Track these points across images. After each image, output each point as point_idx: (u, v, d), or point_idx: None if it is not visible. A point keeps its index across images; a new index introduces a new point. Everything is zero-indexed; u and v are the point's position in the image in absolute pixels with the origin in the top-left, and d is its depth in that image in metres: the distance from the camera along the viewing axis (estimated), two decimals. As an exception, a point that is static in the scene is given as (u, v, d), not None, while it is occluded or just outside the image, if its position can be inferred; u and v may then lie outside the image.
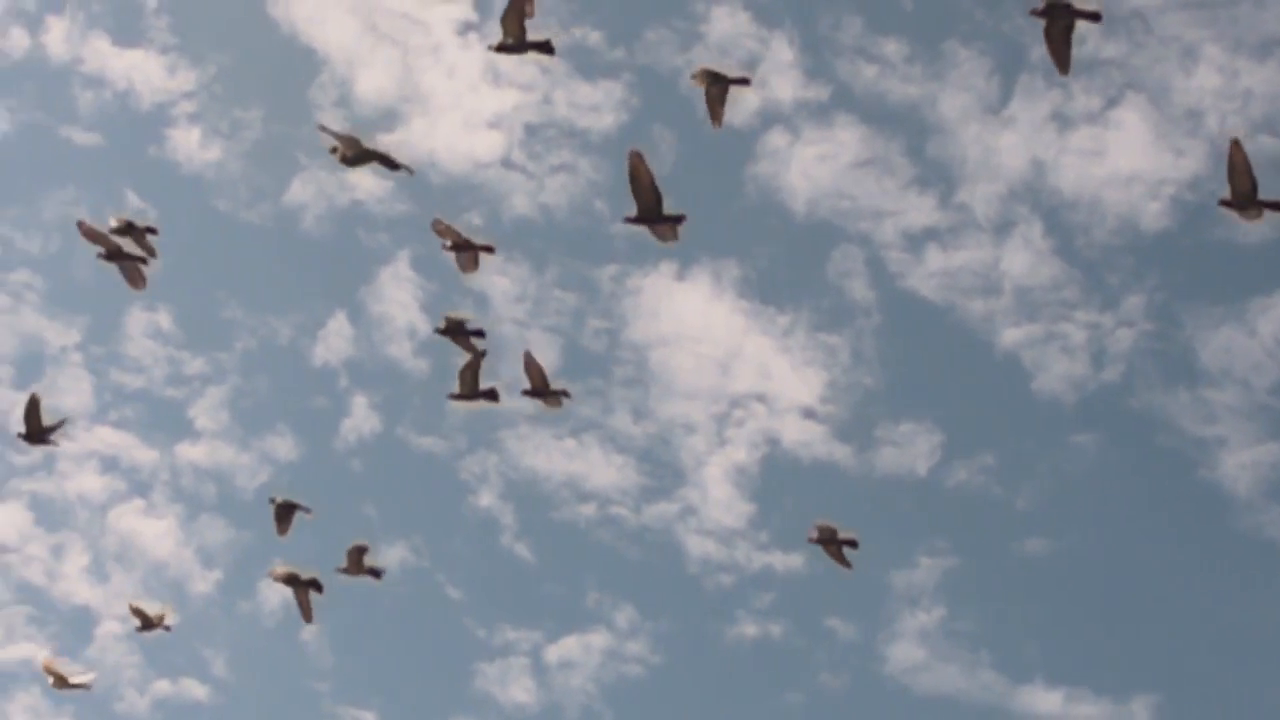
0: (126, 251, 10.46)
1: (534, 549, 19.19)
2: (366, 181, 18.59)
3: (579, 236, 19.86)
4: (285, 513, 11.75)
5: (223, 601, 18.92)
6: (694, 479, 19.06)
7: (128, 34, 19.89)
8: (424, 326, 19.15)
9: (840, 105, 19.38)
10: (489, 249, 10.49)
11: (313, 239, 19.77)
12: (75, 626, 18.63)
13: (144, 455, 19.07)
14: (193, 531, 19.03)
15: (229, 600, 18.96)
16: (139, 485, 19.10)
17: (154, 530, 19.03)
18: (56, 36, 19.59)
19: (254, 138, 19.80)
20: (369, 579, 11.41)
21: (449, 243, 10.45)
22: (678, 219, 9.60)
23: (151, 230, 10.56)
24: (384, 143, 9.86)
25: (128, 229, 10.49)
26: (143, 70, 19.49)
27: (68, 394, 18.84)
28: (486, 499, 19.22)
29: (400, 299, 19.42)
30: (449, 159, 19.35)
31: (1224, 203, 8.73)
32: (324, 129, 9.91)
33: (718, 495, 18.93)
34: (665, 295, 19.58)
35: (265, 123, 19.87)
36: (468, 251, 10.41)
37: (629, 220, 9.59)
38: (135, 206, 17.81)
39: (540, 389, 11.00)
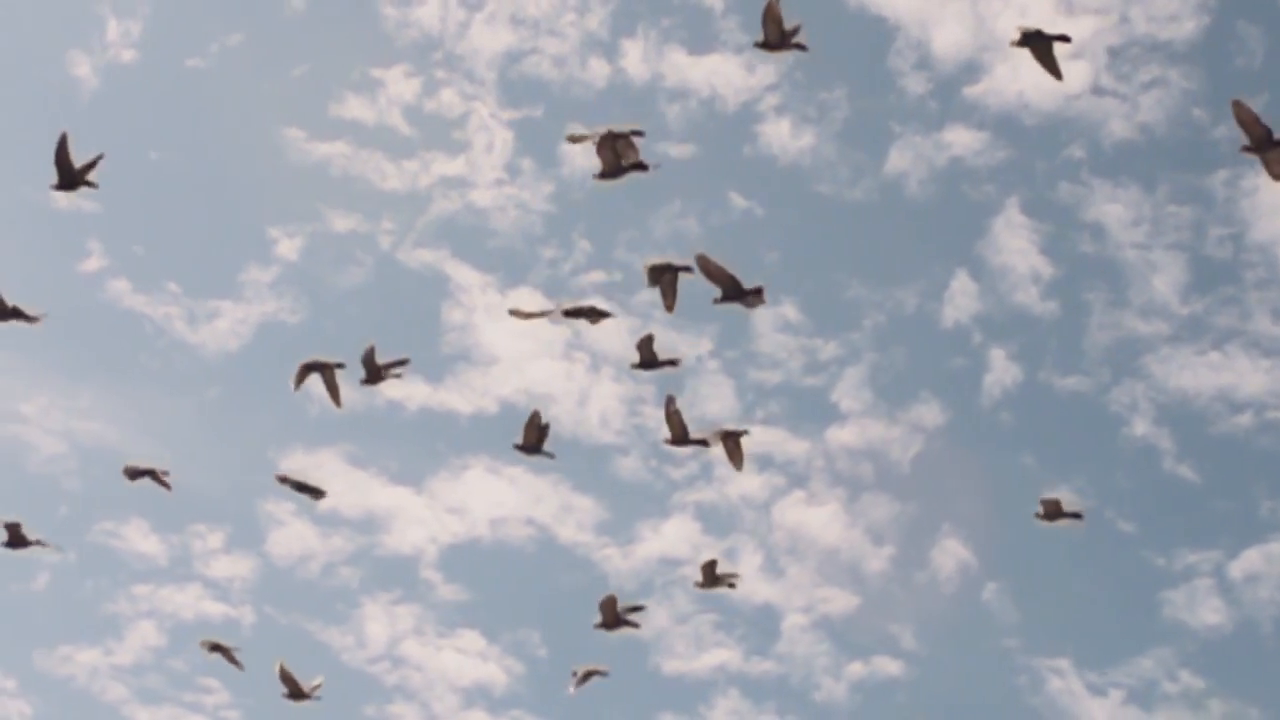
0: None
1: (1197, 468, 18.92)
2: (963, 137, 18.98)
3: (1183, 149, 19.31)
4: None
5: (899, 576, 18.91)
6: (1346, 367, 18.32)
7: (701, 41, 19.79)
8: (1046, 269, 19.07)
9: None
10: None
11: (920, 204, 19.54)
12: (761, 625, 18.90)
13: (796, 447, 19.11)
14: (857, 512, 19.09)
15: (904, 573, 19.03)
16: (797, 477, 19.11)
17: (819, 518, 19.18)
18: (634, 59, 19.72)
19: (843, 116, 19.64)
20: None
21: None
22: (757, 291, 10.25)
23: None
24: None
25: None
26: (722, 73, 19.37)
27: (711, 401, 18.97)
28: (1141, 427, 18.91)
29: (1017, 246, 19.15)
30: (1038, 98, 19.00)
31: (1246, 149, 9.15)
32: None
33: (1370, 382, 18.18)
34: (1285, 188, 19.60)
35: (851, 99, 19.64)
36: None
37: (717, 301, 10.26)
38: (740, 207, 18.97)
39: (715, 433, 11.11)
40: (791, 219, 20.03)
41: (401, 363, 11.29)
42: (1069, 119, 19.08)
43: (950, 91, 19.51)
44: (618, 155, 10.08)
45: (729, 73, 19.41)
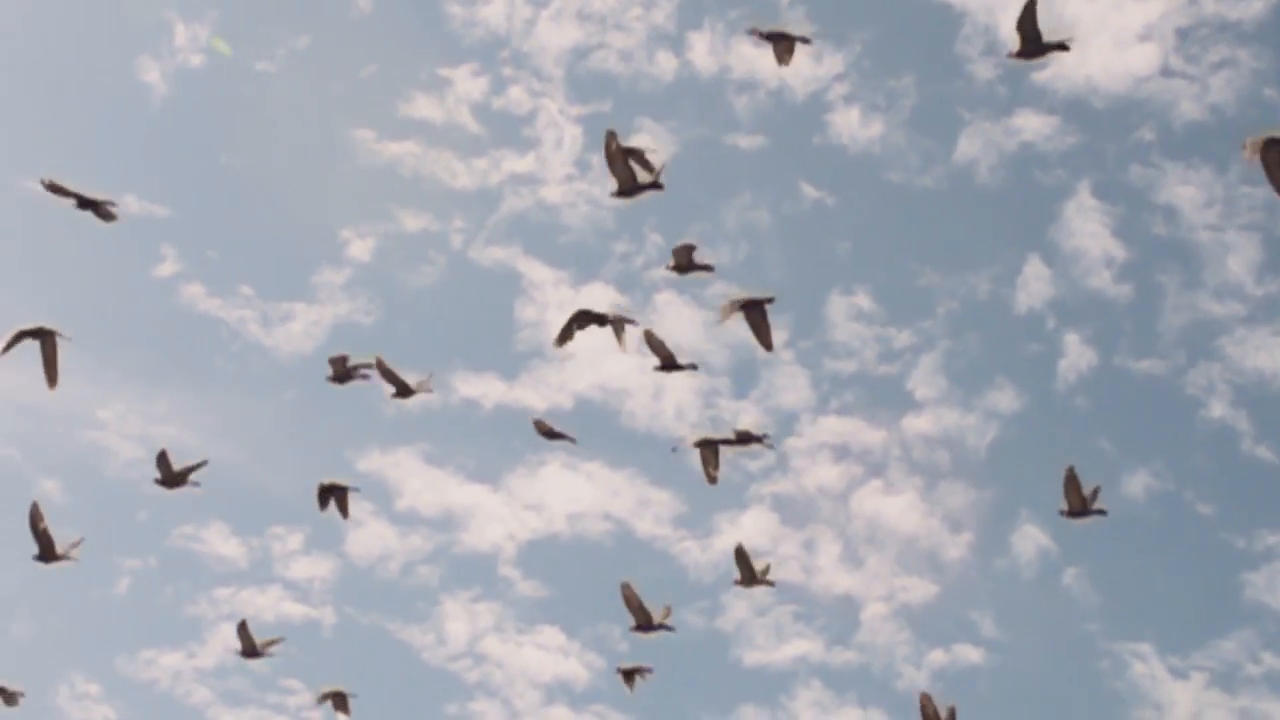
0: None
1: (1276, 449, 19.16)
2: (1033, 123, 19.34)
3: (1254, 129, 18.85)
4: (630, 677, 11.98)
5: (978, 563, 19.19)
6: None
7: (769, 31, 20.53)
8: (1119, 253, 19.42)
9: None
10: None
11: (990, 190, 19.94)
12: (841, 615, 19.09)
13: (872, 436, 19.43)
14: (934, 500, 19.36)
15: (984, 560, 19.20)
16: (873, 466, 19.37)
17: (896, 507, 19.46)
18: (700, 51, 20.24)
19: (911, 104, 20.11)
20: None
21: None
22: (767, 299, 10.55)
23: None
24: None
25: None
26: (790, 64, 19.67)
27: (786, 392, 19.56)
28: (1218, 409, 19.11)
29: (1090, 229, 19.46)
30: (1107, 81, 19.40)
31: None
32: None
33: None
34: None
35: (919, 87, 20.08)
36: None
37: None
38: (811, 196, 19.55)
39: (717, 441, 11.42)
40: (862, 208, 20.29)
41: (367, 366, 11.64)
42: (1139, 101, 19.24)
43: (1019, 76, 20.12)
44: (632, 172, 10.27)
45: (797, 63, 18.93)
